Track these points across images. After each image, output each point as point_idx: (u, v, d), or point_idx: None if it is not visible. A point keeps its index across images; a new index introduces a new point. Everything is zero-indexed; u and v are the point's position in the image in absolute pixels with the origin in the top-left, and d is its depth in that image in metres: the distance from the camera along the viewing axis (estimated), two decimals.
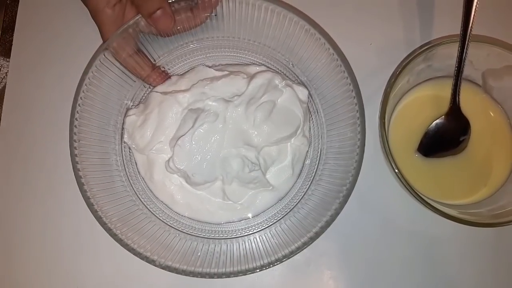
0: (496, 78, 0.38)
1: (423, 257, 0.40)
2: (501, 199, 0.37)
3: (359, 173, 0.35)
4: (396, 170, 0.34)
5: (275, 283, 0.40)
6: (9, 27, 0.46)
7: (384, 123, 0.34)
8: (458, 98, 0.37)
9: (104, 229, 0.34)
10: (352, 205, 0.40)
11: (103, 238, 0.35)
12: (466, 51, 0.35)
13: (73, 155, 0.36)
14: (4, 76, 0.45)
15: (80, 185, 0.35)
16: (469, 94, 0.39)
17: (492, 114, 0.39)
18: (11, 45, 0.46)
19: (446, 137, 0.38)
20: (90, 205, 0.35)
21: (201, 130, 0.37)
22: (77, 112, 0.37)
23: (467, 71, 0.38)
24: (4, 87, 0.45)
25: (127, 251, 0.34)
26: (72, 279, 0.40)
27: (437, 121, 0.38)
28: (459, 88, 0.37)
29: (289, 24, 0.39)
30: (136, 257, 0.34)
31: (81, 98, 0.37)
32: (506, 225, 0.34)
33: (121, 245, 0.34)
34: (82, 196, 0.35)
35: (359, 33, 0.45)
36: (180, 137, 0.37)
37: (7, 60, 0.46)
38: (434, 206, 0.34)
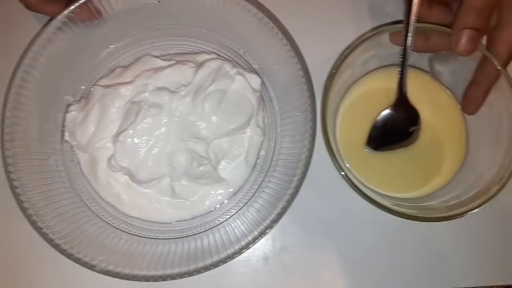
0: (442, 63, 0.37)
1: (385, 246, 0.39)
2: (455, 189, 0.35)
3: (310, 162, 0.33)
4: (343, 173, 0.32)
5: (234, 283, 0.38)
6: None
7: (325, 119, 0.32)
8: (405, 87, 0.35)
9: (39, 234, 0.32)
10: (310, 195, 0.39)
11: (43, 247, 0.32)
12: (410, 38, 0.33)
13: (4, 157, 0.33)
14: None
15: (13, 188, 0.33)
16: (417, 82, 0.37)
17: (441, 101, 0.38)
18: None
19: (395, 129, 0.36)
20: (24, 209, 0.32)
21: (144, 124, 0.35)
22: (9, 110, 0.34)
23: (413, 58, 0.36)
24: None
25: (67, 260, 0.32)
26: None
27: (384, 112, 0.36)
28: (405, 77, 0.35)
29: (237, 9, 0.37)
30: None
31: (13, 93, 0.35)
32: (461, 217, 0.32)
33: (58, 251, 0.31)
34: (15, 199, 0.32)
35: (312, 19, 0.42)
36: (121, 133, 0.35)
37: None
38: (383, 204, 0.32)
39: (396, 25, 0.35)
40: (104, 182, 0.37)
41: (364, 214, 0.39)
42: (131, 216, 0.37)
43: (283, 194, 0.34)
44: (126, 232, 0.36)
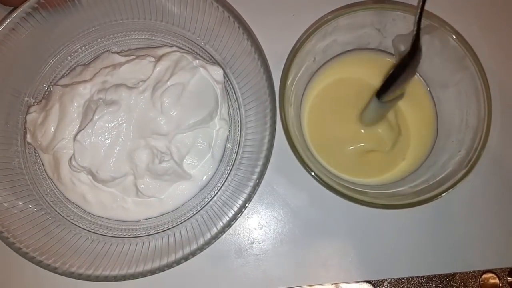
0: (406, 44, 0.35)
1: (354, 233, 0.39)
2: (425, 174, 0.35)
3: (270, 154, 0.33)
4: (313, 172, 0.31)
5: (210, 277, 0.38)
6: None
7: (283, 108, 0.31)
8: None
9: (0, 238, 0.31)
10: (282, 185, 0.39)
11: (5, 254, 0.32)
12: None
13: None
14: None
15: None
16: (384, 65, 0.36)
17: (410, 84, 0.37)
18: None
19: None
20: None
21: (102, 122, 0.34)
22: None
23: (376, 41, 0.35)
24: None
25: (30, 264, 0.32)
26: None
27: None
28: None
29: (195, 1, 0.36)
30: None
31: None
32: (429, 202, 0.32)
33: (20, 254, 0.31)
34: None
35: (271, 7, 0.41)
36: (79, 132, 0.34)
37: None
38: (351, 196, 0.31)
39: (352, 7, 0.33)
40: (68, 182, 0.36)
41: (333, 201, 0.38)
42: (98, 216, 0.36)
43: (246, 185, 0.34)
44: (92, 232, 0.35)
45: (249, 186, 0.34)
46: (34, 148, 0.37)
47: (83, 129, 0.34)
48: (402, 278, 0.39)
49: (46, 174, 0.37)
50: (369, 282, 0.38)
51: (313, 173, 0.31)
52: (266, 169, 0.33)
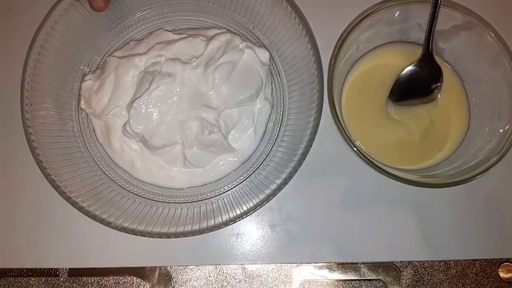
0: (445, 40, 0.38)
1: (385, 218, 0.40)
2: (458, 160, 0.37)
3: (316, 132, 0.35)
4: (355, 148, 0.34)
5: (242, 246, 0.39)
6: None
7: (331, 93, 0.34)
8: (431, 44, 0.36)
9: (58, 192, 0.33)
10: (315, 167, 0.40)
11: (61, 204, 0.34)
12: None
13: (24, 119, 0.35)
14: None
15: (33, 149, 0.34)
16: None
17: (445, 77, 0.39)
18: None
19: (418, 85, 0.38)
20: (43, 169, 0.34)
21: (158, 92, 0.36)
22: (29, 75, 0.36)
23: (416, 34, 0.37)
24: None
25: (84, 218, 0.33)
26: (31, 250, 0.39)
27: (409, 67, 0.37)
28: (433, 33, 0.36)
29: None
30: (94, 221, 0.33)
31: (32, 60, 0.36)
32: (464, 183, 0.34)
33: (76, 208, 0.33)
34: (35, 160, 0.34)
35: None
36: (135, 100, 0.36)
37: None
38: (391, 172, 0.33)
39: (399, 1, 0.36)
40: (118, 149, 0.38)
41: (369, 185, 0.40)
42: (145, 182, 0.38)
43: (289, 163, 0.36)
44: (139, 195, 0.37)
45: (289, 166, 0.36)
46: (87, 114, 0.39)
47: (139, 97, 0.36)
48: (425, 263, 0.40)
49: (97, 139, 0.39)
50: (393, 263, 0.40)
51: (355, 149, 0.34)
52: (309, 149, 0.35)
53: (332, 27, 0.42)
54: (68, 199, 0.33)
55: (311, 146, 0.35)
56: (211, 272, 0.39)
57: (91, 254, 0.38)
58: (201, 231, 0.33)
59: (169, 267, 0.39)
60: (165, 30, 0.41)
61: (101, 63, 0.41)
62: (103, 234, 0.37)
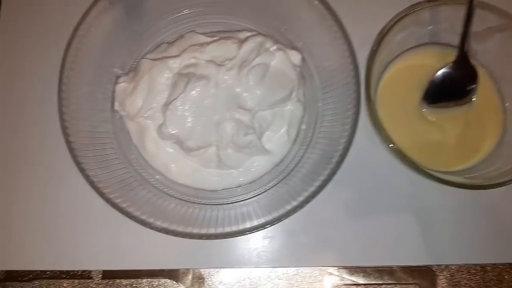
0: (479, 41, 0.38)
1: (421, 222, 0.40)
2: (495, 163, 0.37)
3: (353, 137, 0.35)
4: (391, 145, 0.34)
5: (275, 249, 0.39)
6: None
7: (369, 92, 0.34)
8: (466, 45, 0.36)
9: (98, 193, 0.33)
10: (349, 170, 0.40)
11: (97, 206, 0.34)
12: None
13: (62, 120, 0.35)
14: None
15: (71, 150, 0.34)
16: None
17: (480, 78, 0.39)
18: None
19: (453, 86, 0.37)
20: (82, 170, 0.34)
21: (193, 94, 0.36)
22: (65, 77, 0.36)
23: (449, 36, 0.37)
24: None
25: (122, 219, 0.33)
26: (68, 249, 0.39)
27: (444, 69, 0.38)
28: (468, 35, 0.36)
29: None
30: (132, 222, 0.33)
31: (69, 62, 0.36)
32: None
33: (116, 209, 0.33)
34: (73, 160, 0.34)
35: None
36: (171, 102, 0.36)
37: None
38: (432, 174, 0.33)
39: (432, 2, 0.36)
40: (152, 151, 0.38)
41: (405, 188, 0.40)
42: (179, 183, 0.38)
43: (324, 167, 0.36)
44: (174, 197, 0.37)
45: (328, 168, 0.35)
46: (120, 116, 0.39)
47: (175, 99, 0.36)
48: (461, 268, 0.40)
49: (131, 141, 0.39)
50: (429, 267, 0.40)
51: (391, 145, 0.34)
52: (347, 153, 0.35)
53: (363, 28, 0.42)
54: (108, 200, 0.33)
55: (349, 149, 0.35)
56: (244, 275, 0.39)
57: (125, 256, 0.38)
58: (241, 232, 0.33)
59: (202, 269, 0.38)
60: (196, 32, 0.42)
61: (133, 66, 0.41)
62: (136, 236, 0.37)
